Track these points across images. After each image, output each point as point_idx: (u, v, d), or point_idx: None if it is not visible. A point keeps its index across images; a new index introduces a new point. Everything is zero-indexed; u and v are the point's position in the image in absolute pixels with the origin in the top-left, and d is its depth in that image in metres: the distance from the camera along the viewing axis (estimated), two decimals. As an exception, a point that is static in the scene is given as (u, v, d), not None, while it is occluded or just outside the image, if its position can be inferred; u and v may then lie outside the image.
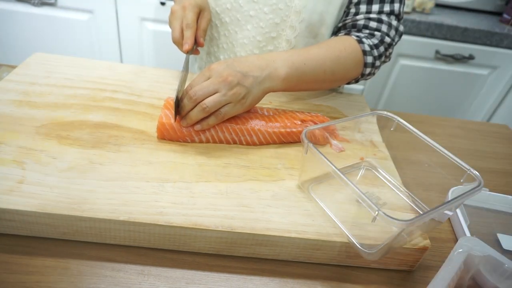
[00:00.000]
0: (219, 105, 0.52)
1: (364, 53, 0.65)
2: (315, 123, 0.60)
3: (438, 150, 0.48)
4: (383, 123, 0.55)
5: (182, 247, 0.44)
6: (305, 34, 0.70)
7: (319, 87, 0.66)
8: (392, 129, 0.54)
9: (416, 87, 1.49)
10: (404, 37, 1.35)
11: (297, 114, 0.61)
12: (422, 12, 1.40)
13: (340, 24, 0.71)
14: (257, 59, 0.56)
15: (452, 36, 1.34)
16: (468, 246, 0.41)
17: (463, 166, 0.46)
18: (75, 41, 1.39)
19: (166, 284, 0.40)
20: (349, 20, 0.69)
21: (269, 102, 0.68)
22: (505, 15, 1.45)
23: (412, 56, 1.40)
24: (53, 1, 1.28)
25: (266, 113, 0.60)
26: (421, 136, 0.50)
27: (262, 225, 0.43)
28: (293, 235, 0.43)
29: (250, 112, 0.59)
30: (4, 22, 1.34)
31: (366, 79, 0.71)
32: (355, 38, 0.66)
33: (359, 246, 0.43)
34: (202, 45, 0.65)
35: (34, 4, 1.29)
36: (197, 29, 0.64)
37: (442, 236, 0.53)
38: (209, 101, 0.52)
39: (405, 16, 1.31)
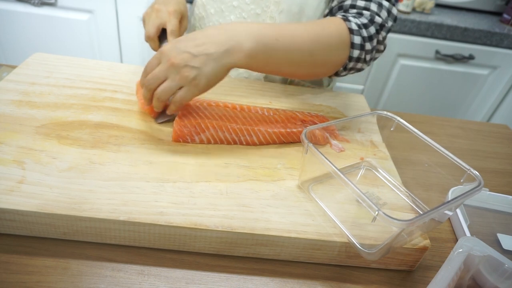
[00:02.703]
0: (171, 92, 0.50)
1: (351, 31, 0.58)
2: (315, 123, 0.60)
3: (438, 150, 0.48)
4: (383, 123, 0.55)
5: (182, 247, 0.44)
6: None
7: (297, 71, 0.58)
8: (392, 129, 0.54)
9: (416, 87, 1.49)
10: (404, 37, 1.35)
11: (297, 114, 0.61)
12: (422, 12, 1.40)
13: (327, 11, 0.68)
14: (218, 32, 0.50)
15: (452, 36, 1.34)
16: (468, 246, 0.41)
17: (463, 166, 0.46)
18: (75, 41, 1.39)
19: (166, 284, 0.40)
20: (335, 2, 0.65)
21: (269, 102, 0.68)
22: (505, 15, 1.45)
23: (412, 56, 1.40)
24: (53, 1, 1.28)
25: (266, 113, 0.60)
26: (421, 136, 0.50)
27: (262, 225, 0.43)
28: (293, 235, 0.43)
29: (250, 112, 0.59)
30: (4, 22, 1.34)
31: (357, 68, 0.63)
32: (340, 17, 0.60)
33: (359, 246, 0.43)
34: None
35: (34, 4, 1.29)
36: None
37: (442, 236, 0.53)
38: (160, 91, 0.50)
39: (405, 16, 1.31)
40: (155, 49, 0.68)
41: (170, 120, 0.58)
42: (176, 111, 0.54)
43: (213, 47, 0.49)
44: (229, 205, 0.45)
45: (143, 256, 0.43)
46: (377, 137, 0.62)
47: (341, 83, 1.47)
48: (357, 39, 0.59)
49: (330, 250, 0.44)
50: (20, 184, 0.43)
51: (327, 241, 0.43)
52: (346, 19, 0.59)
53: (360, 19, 0.60)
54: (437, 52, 1.37)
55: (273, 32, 0.52)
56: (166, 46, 0.51)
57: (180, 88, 0.50)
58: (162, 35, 0.67)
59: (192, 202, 0.45)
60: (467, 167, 0.45)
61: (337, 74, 0.64)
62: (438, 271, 0.38)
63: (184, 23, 0.68)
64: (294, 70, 0.58)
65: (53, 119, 0.55)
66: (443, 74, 1.44)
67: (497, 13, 1.54)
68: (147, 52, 1.41)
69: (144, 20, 0.68)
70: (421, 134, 0.50)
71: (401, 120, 0.52)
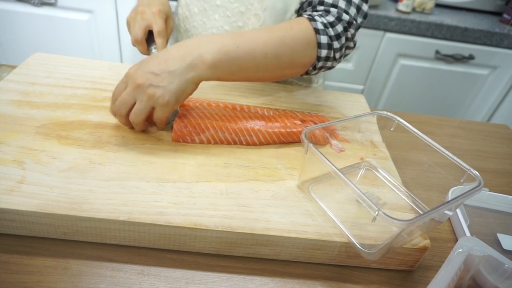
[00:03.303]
0: (143, 114, 0.51)
1: (317, 31, 0.57)
2: (315, 123, 0.60)
3: (438, 150, 0.48)
4: (383, 123, 0.55)
5: (182, 247, 0.44)
6: (270, 23, 0.69)
7: (265, 75, 0.58)
8: (392, 129, 0.54)
9: (416, 87, 1.49)
10: (404, 37, 1.35)
11: (297, 114, 0.61)
12: (422, 12, 1.40)
13: (298, 6, 0.68)
14: (178, 49, 0.51)
15: (452, 36, 1.34)
16: (468, 246, 0.41)
17: (463, 166, 0.46)
18: (75, 41, 1.39)
19: (166, 284, 0.40)
20: None
21: (269, 102, 0.68)
22: (505, 15, 1.45)
23: (412, 56, 1.40)
24: (53, 1, 1.28)
25: (266, 113, 0.60)
26: (421, 136, 0.50)
27: (262, 225, 0.43)
28: (293, 235, 0.43)
29: (250, 112, 0.59)
30: (4, 22, 1.34)
31: (327, 66, 0.62)
32: (306, 16, 0.59)
33: (359, 246, 0.43)
34: None
35: (34, 4, 1.29)
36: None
37: (442, 236, 0.53)
38: (133, 115, 0.51)
39: (405, 16, 1.31)
40: (143, 53, 0.67)
41: (169, 123, 0.58)
42: (164, 126, 0.56)
43: (175, 64, 0.50)
44: (229, 205, 0.45)
45: (143, 256, 0.43)
46: (377, 137, 0.62)
47: (341, 83, 1.47)
48: (324, 39, 0.58)
49: (330, 250, 0.44)
50: (20, 184, 0.43)
51: (327, 241, 0.43)
52: (312, 19, 0.58)
53: (327, 17, 0.59)
54: (437, 52, 1.37)
55: (233, 41, 0.52)
56: (131, 69, 0.51)
57: (154, 107, 0.51)
58: (149, 38, 0.66)
59: (192, 202, 0.45)
60: (467, 167, 0.45)
61: (307, 73, 0.63)
62: (438, 271, 0.38)
63: (170, 23, 0.69)
64: (262, 74, 0.57)
65: (53, 119, 0.55)
66: (443, 74, 1.44)
67: (497, 13, 1.54)
68: (147, 52, 1.41)
69: (129, 24, 0.67)
70: (421, 134, 0.50)
71: (401, 120, 0.52)
